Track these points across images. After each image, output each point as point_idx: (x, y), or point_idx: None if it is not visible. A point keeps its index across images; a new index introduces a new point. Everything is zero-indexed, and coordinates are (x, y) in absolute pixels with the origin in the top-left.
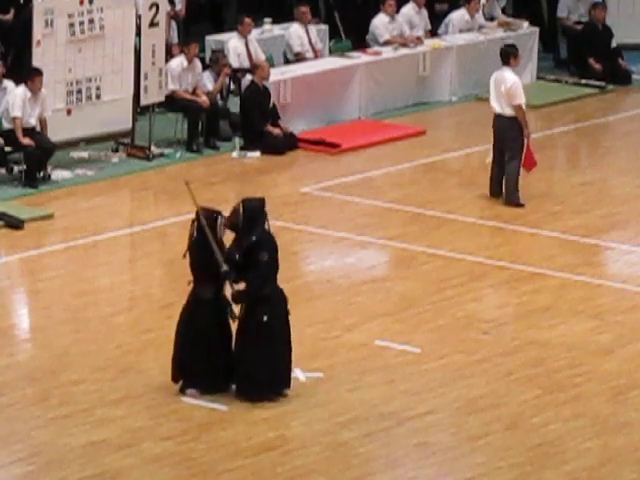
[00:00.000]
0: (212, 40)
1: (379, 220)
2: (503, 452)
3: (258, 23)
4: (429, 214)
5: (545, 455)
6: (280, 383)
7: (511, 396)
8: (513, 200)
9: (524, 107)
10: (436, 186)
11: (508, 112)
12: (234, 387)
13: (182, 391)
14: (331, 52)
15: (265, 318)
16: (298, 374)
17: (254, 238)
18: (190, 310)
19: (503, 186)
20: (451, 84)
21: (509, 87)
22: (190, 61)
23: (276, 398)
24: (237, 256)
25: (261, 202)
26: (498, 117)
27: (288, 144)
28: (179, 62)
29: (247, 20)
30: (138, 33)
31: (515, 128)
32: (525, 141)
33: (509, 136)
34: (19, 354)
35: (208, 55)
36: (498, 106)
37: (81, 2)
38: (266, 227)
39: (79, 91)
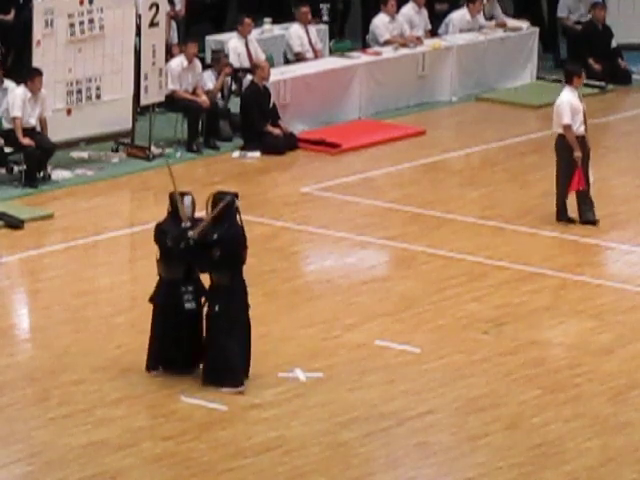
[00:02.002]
0: (212, 40)
1: (379, 220)
2: (503, 452)
3: (258, 23)
4: (429, 214)
5: (545, 455)
6: (234, 376)
7: (511, 396)
8: (560, 218)
9: (581, 129)
10: (436, 186)
11: (559, 131)
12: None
13: (147, 370)
14: (331, 52)
15: (217, 308)
16: (298, 374)
17: (215, 236)
18: (157, 290)
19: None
20: (451, 84)
21: (557, 106)
22: (190, 61)
23: (236, 389)
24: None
25: (233, 197)
26: (556, 136)
27: (288, 144)
28: (179, 62)
29: (247, 20)
30: (138, 33)
31: (564, 148)
32: (576, 163)
33: (558, 155)
34: (19, 354)
35: (208, 55)
36: (553, 124)
37: (81, 2)
38: (237, 220)
39: (79, 91)
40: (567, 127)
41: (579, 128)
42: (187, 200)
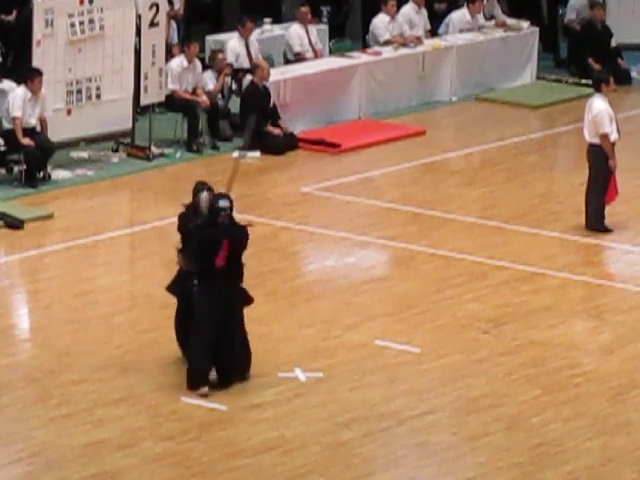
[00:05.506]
0: (212, 40)
1: (379, 220)
2: (503, 452)
3: (258, 23)
4: (429, 214)
5: (545, 455)
6: (225, 369)
7: (511, 396)
8: (597, 227)
9: (611, 138)
10: (436, 186)
11: (594, 141)
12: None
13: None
14: (331, 52)
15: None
16: (298, 374)
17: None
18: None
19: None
20: (451, 84)
21: (595, 115)
22: (190, 61)
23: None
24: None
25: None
26: (588, 145)
27: (288, 144)
28: (179, 62)
29: (249, 24)
30: (138, 33)
31: (600, 157)
32: (610, 172)
33: (593, 165)
34: (19, 354)
35: (208, 55)
36: (587, 134)
37: (81, 2)
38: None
39: (79, 91)
40: (605, 136)
41: (613, 135)
42: (204, 194)
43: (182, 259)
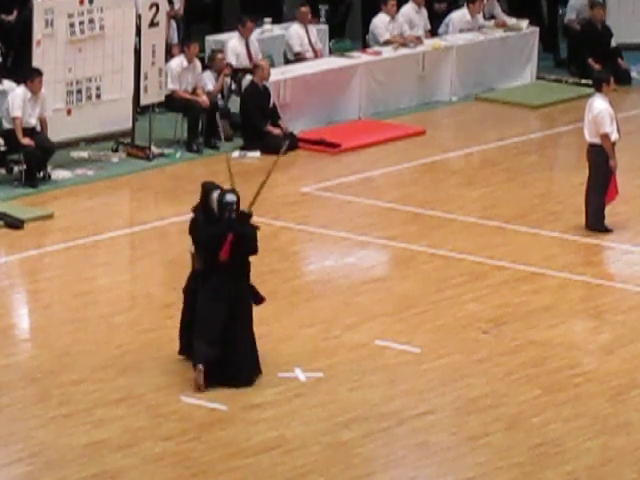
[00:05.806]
0: (212, 40)
1: (379, 220)
2: (503, 452)
3: (258, 23)
4: (429, 214)
5: (545, 455)
6: (228, 367)
7: (511, 396)
8: (597, 227)
9: (612, 137)
10: (436, 186)
11: (595, 140)
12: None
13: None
14: (331, 52)
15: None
16: (298, 374)
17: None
18: (189, 276)
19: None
20: (451, 84)
21: (595, 115)
22: (190, 61)
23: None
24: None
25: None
26: (588, 145)
27: (288, 144)
28: (179, 62)
29: (249, 24)
30: (138, 33)
31: (600, 157)
32: (611, 172)
33: (593, 165)
34: (19, 354)
35: (208, 55)
36: (587, 134)
37: (81, 2)
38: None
39: (79, 91)
40: (605, 136)
41: (614, 135)
42: (215, 194)
43: (196, 259)
